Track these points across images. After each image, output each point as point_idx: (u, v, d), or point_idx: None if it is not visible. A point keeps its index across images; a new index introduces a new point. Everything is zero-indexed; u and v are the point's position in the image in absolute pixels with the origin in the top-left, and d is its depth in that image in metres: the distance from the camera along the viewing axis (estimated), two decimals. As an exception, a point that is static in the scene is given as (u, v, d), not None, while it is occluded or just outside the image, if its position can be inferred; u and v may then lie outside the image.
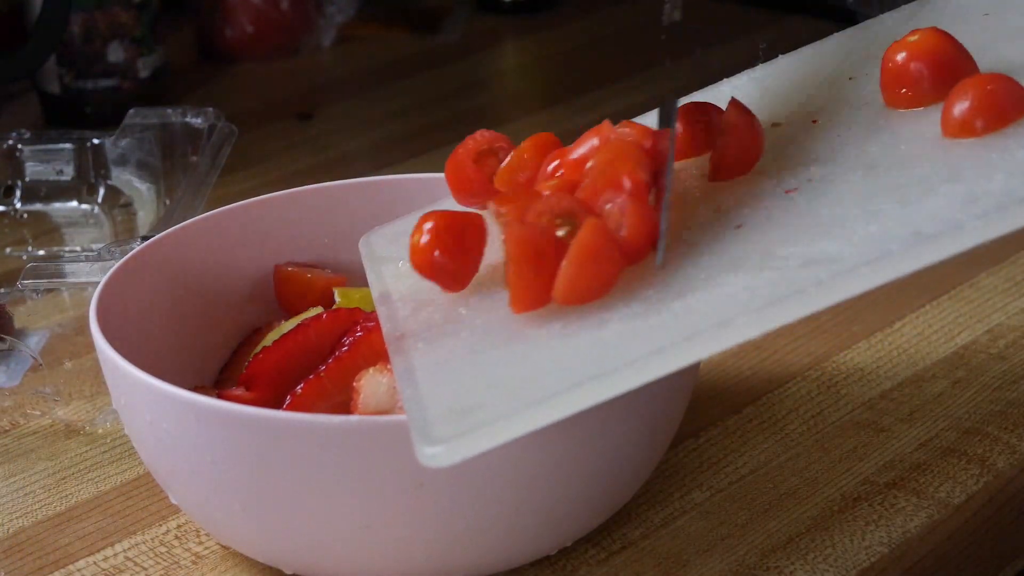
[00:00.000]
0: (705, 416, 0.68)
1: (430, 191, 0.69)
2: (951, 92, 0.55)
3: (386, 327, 0.57)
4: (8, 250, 0.87)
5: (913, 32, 0.59)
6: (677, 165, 0.60)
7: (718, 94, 0.65)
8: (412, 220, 0.58)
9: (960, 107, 0.54)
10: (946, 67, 0.57)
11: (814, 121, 0.60)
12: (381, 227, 0.66)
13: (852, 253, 0.48)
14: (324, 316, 0.61)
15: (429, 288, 0.58)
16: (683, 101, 0.62)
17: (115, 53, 1.06)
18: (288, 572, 0.57)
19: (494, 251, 0.57)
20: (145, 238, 0.68)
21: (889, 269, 0.47)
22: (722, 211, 0.55)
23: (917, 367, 0.71)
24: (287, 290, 0.68)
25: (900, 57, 0.58)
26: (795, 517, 0.61)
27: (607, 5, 1.34)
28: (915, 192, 0.50)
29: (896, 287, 0.78)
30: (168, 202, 0.84)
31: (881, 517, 0.61)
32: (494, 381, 0.50)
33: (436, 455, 0.47)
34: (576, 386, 0.47)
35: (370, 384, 0.56)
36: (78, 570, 0.60)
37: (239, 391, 0.59)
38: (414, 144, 1.04)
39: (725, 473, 0.64)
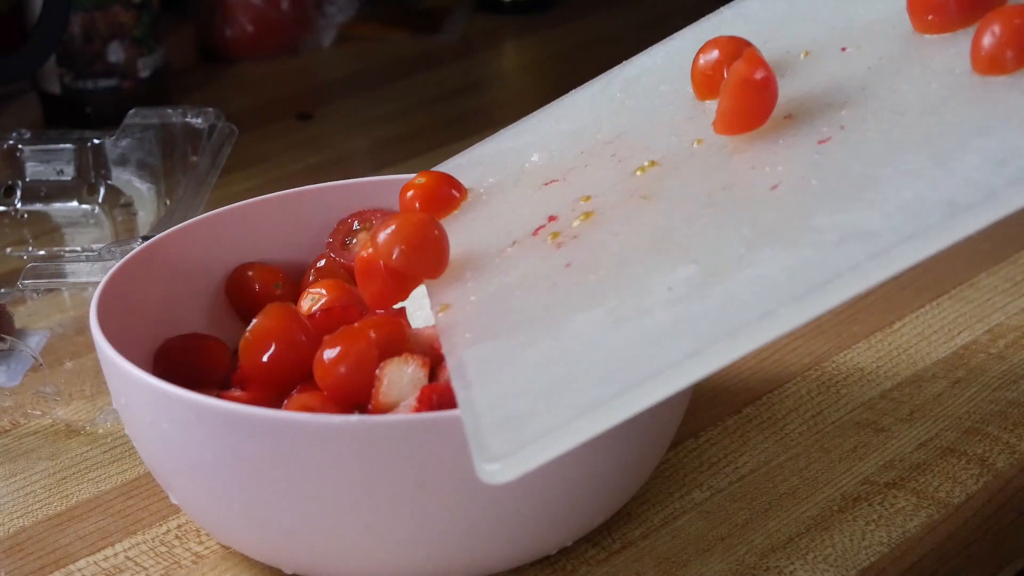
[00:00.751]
0: (705, 416, 0.68)
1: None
2: (979, 25, 0.53)
3: (435, 311, 0.57)
4: (8, 250, 0.87)
5: None
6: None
7: (745, 9, 0.64)
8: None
9: (988, 42, 0.52)
10: None
11: (843, 49, 0.59)
12: None
13: (887, 227, 0.47)
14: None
15: (474, 268, 0.58)
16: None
17: (115, 53, 1.06)
18: (288, 572, 0.57)
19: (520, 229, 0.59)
20: (145, 238, 0.69)
21: (925, 246, 0.46)
22: (757, 168, 0.55)
23: (917, 367, 0.71)
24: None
25: None
26: (795, 517, 0.61)
27: (607, 5, 1.34)
28: (948, 146, 0.50)
29: (896, 287, 0.78)
30: (168, 202, 0.84)
31: (881, 517, 0.61)
32: (544, 383, 0.50)
33: (495, 472, 0.47)
34: (624, 392, 0.47)
35: (393, 373, 0.56)
36: (78, 570, 0.60)
37: (235, 391, 0.59)
38: (414, 144, 1.04)
39: (725, 473, 0.64)
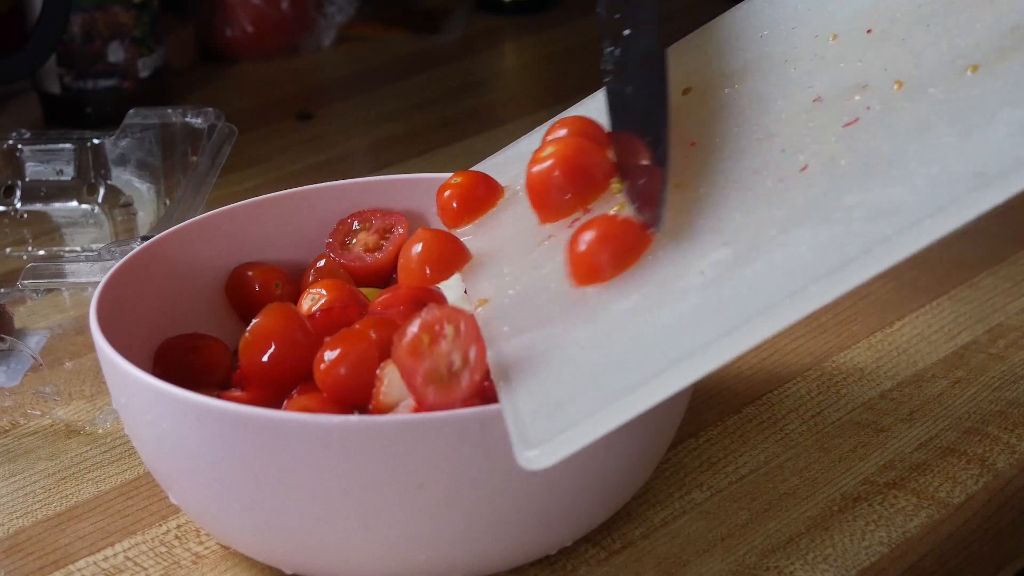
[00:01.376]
0: (705, 416, 0.68)
1: (430, 191, 0.69)
2: (573, 234, 0.56)
3: (474, 306, 0.58)
4: (8, 250, 0.87)
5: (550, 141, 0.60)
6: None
7: None
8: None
9: (582, 250, 0.55)
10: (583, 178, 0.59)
11: (868, 31, 0.59)
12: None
13: (915, 201, 0.48)
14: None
15: (511, 262, 0.59)
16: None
17: (115, 53, 1.06)
18: (288, 572, 0.57)
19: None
20: (145, 238, 0.68)
21: (952, 218, 0.46)
22: (787, 151, 0.55)
23: (917, 367, 0.71)
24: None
25: (539, 168, 0.59)
26: (795, 517, 0.61)
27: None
28: (974, 119, 0.50)
29: (896, 287, 0.78)
30: (168, 202, 0.84)
31: (881, 517, 0.61)
32: (580, 369, 0.51)
33: (535, 458, 0.48)
34: (659, 374, 0.48)
35: (394, 373, 0.55)
36: (78, 570, 0.60)
37: (235, 391, 0.59)
38: (414, 144, 1.04)
39: (725, 473, 0.64)
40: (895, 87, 0.55)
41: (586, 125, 0.62)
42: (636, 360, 0.49)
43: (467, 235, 0.64)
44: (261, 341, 0.58)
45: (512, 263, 0.59)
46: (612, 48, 0.62)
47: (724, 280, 0.50)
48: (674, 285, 0.52)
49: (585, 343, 0.52)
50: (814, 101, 0.57)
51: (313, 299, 0.63)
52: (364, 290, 0.66)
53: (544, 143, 0.61)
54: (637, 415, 0.48)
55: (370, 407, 0.56)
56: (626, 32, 0.62)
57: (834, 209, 0.50)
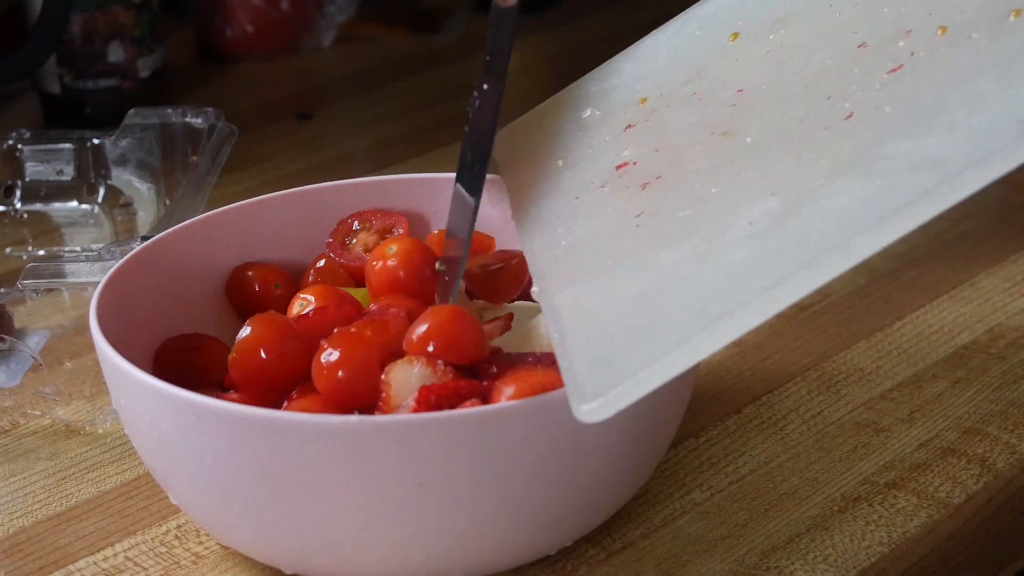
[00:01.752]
0: (705, 416, 0.68)
1: (430, 191, 0.69)
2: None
3: (525, 251, 0.59)
4: (8, 250, 0.87)
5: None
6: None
7: None
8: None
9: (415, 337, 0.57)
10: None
11: None
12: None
13: (957, 152, 0.48)
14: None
15: (562, 213, 0.59)
16: None
17: (115, 53, 1.06)
18: (288, 572, 0.57)
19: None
20: (145, 238, 0.68)
21: (993, 168, 0.47)
22: (833, 98, 0.55)
23: (917, 367, 0.71)
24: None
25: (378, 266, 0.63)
26: (795, 517, 0.61)
27: (607, 5, 1.34)
28: (1016, 68, 0.50)
29: (896, 287, 0.78)
30: (168, 202, 0.84)
31: (881, 517, 0.61)
32: (633, 322, 0.51)
33: (592, 411, 0.49)
34: (708, 326, 0.48)
35: (400, 375, 0.55)
36: (78, 570, 0.60)
37: (234, 393, 0.59)
38: (414, 144, 1.04)
39: (725, 473, 0.64)
40: (939, 32, 0.55)
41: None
42: (687, 312, 0.50)
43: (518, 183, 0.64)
44: (248, 354, 0.58)
45: (563, 214, 0.60)
46: (475, 97, 0.64)
47: (771, 231, 0.51)
48: (723, 236, 0.52)
49: (637, 295, 0.52)
50: (859, 47, 0.57)
51: (302, 305, 0.63)
52: (361, 291, 0.65)
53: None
54: (687, 368, 0.48)
55: (379, 410, 0.56)
56: (484, 87, 0.63)
57: (879, 159, 0.50)
